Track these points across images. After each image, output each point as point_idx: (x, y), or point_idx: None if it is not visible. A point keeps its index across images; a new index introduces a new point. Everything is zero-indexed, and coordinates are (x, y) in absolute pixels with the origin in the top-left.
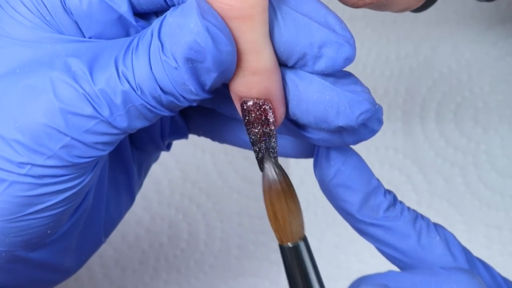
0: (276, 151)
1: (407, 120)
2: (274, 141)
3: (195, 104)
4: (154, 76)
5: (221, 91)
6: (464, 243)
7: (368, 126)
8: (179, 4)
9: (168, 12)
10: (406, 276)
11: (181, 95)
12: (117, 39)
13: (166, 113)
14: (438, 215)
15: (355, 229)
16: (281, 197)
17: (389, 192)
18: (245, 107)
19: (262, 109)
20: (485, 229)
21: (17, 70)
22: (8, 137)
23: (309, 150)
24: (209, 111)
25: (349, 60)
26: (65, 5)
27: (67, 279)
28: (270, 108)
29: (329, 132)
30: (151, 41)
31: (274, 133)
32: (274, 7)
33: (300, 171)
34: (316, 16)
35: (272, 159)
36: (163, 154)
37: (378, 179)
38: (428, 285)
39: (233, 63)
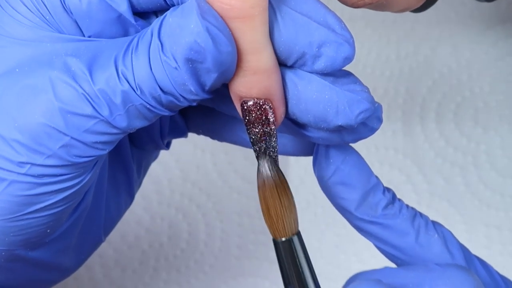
0: (277, 150)
1: (407, 120)
2: (275, 141)
3: (195, 104)
4: (154, 76)
5: (220, 91)
6: (464, 243)
7: (367, 124)
8: (179, 4)
9: (168, 12)
10: (400, 272)
11: (181, 95)
12: (116, 39)
13: (166, 113)
14: (438, 215)
15: (354, 226)
16: (274, 192)
17: (388, 190)
18: (245, 107)
19: (262, 109)
20: (485, 229)
21: (17, 70)
22: (7, 137)
23: (309, 148)
24: (208, 110)
25: (348, 59)
26: (64, 4)
27: (66, 279)
28: (270, 108)
29: (328, 131)
30: (151, 41)
31: (275, 132)
32: (273, 6)
33: (300, 171)
34: (315, 16)
35: (267, 156)
36: (163, 154)
37: (377, 177)
38: (423, 281)
39: (233, 63)
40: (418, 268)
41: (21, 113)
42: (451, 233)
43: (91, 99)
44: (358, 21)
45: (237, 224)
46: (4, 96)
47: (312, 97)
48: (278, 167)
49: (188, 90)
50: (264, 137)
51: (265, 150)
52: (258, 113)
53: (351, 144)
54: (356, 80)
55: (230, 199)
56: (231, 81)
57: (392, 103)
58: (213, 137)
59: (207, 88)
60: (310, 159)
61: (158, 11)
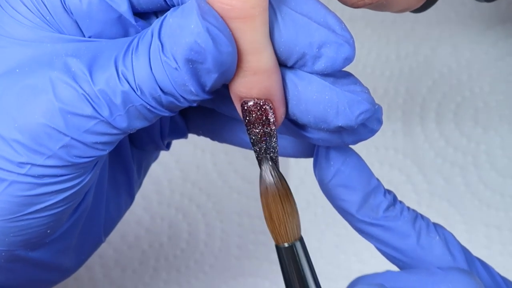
0: (277, 151)
1: (407, 120)
2: (275, 141)
3: (195, 104)
4: (154, 76)
5: (220, 92)
6: (464, 243)
7: (367, 126)
8: (179, 4)
9: (168, 13)
10: (403, 275)
11: (181, 95)
12: (117, 39)
13: (166, 113)
14: (438, 215)
15: (355, 228)
16: (276, 199)
17: (389, 192)
18: (245, 108)
19: (262, 109)
20: (485, 229)
21: (17, 70)
22: (8, 137)
23: (309, 149)
24: (208, 110)
25: (349, 60)
26: (65, 4)
27: (67, 279)
28: (271, 108)
29: (328, 132)
30: (151, 41)
31: (275, 133)
32: (273, 7)
33: (300, 171)
34: (315, 16)
35: (269, 161)
36: (163, 154)
37: (377, 179)
38: (425, 285)
39: (233, 63)
40: (420, 272)
41: (21, 113)
42: (452, 235)
43: (91, 99)
44: (358, 21)
45: (237, 224)
46: (4, 96)
47: (312, 98)
48: (281, 173)
49: (189, 91)
50: (265, 138)
51: (265, 150)
52: (258, 113)
53: (351, 146)
54: (356, 81)
55: (230, 199)
56: (231, 81)
57: (392, 103)
58: (213, 138)
59: (207, 88)
60: (310, 159)
61: (159, 12)
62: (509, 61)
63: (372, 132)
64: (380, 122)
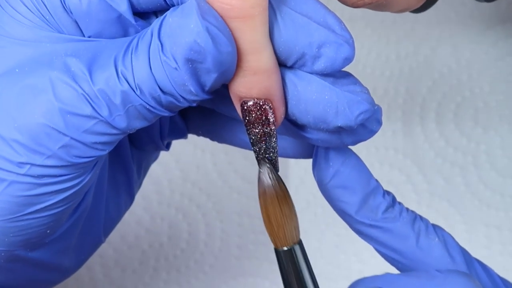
0: (277, 151)
1: (407, 120)
2: (275, 141)
3: (194, 104)
4: (154, 76)
5: (220, 92)
6: (464, 243)
7: (367, 126)
8: (179, 4)
9: (168, 12)
10: (402, 278)
11: (180, 95)
12: (116, 39)
13: (166, 113)
14: (438, 215)
15: (354, 230)
16: (274, 202)
17: (388, 193)
18: (245, 107)
19: (262, 109)
20: (485, 229)
21: (17, 70)
22: (7, 137)
23: (309, 150)
24: (208, 111)
25: (348, 60)
26: (64, 4)
27: (66, 279)
28: (270, 108)
29: (328, 132)
30: (151, 41)
31: (275, 133)
32: (273, 7)
33: (300, 171)
34: (315, 16)
35: (267, 163)
36: (163, 154)
37: (377, 180)
38: None
39: (233, 63)
40: (419, 275)
41: (21, 113)
42: (451, 236)
43: (91, 99)
44: (358, 21)
45: (237, 224)
46: (4, 96)
47: (312, 98)
48: (279, 176)
49: (188, 91)
50: (264, 138)
51: (265, 150)
52: (258, 113)
53: (351, 147)
54: (356, 81)
55: (230, 199)
56: (231, 81)
57: (392, 103)
58: (212, 138)
59: (207, 88)
60: (310, 159)
61: (158, 11)
62: (509, 61)
63: (372, 132)
64: (379, 122)
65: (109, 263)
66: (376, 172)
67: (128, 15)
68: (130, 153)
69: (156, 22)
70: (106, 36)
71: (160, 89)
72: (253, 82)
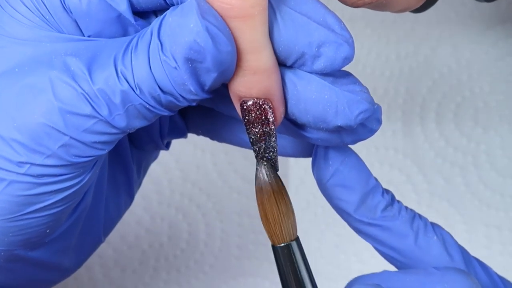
0: (276, 150)
1: (407, 120)
2: (274, 141)
3: (194, 104)
4: (154, 75)
5: (220, 91)
6: (464, 243)
7: (366, 126)
8: (178, 3)
9: (167, 12)
10: (400, 276)
11: (180, 95)
12: (116, 38)
13: (165, 112)
14: (438, 215)
15: (353, 228)
16: (271, 199)
17: (387, 191)
18: (245, 107)
19: (262, 109)
20: (485, 229)
21: (16, 69)
22: (7, 137)
23: (308, 149)
24: (208, 110)
25: (348, 59)
26: (64, 4)
27: (66, 279)
28: (270, 108)
29: (327, 132)
30: (151, 40)
31: (274, 132)
32: (273, 6)
33: (300, 171)
34: (315, 16)
35: (264, 161)
36: (163, 154)
37: (376, 179)
38: (422, 285)
39: (233, 63)
40: (417, 272)
41: (20, 112)
42: (450, 235)
43: (91, 98)
44: (358, 21)
45: (237, 224)
46: (3, 96)
47: (312, 97)
48: (276, 173)
49: (188, 90)
50: (264, 137)
51: (264, 150)
52: (257, 113)
53: (350, 146)
54: (356, 81)
55: (230, 199)
56: (231, 81)
57: (392, 103)
58: (212, 138)
59: (206, 88)
60: (310, 159)
61: (158, 11)
62: (509, 61)
63: (371, 132)
64: (379, 122)
65: (109, 263)
66: (376, 172)
67: (128, 15)
68: (130, 153)
69: (155, 22)
70: (106, 35)
71: (160, 88)
72: (253, 82)
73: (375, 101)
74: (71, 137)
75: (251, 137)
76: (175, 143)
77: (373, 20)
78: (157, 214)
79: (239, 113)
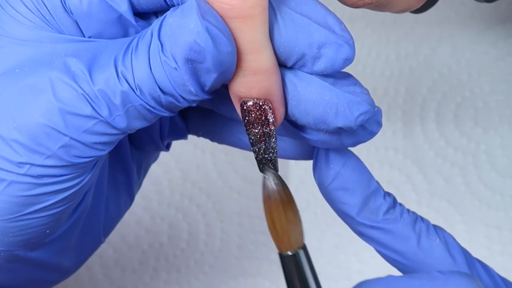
0: (276, 151)
1: (407, 120)
2: (274, 142)
3: (194, 104)
4: (154, 76)
5: (220, 92)
6: (464, 243)
7: (367, 128)
8: (179, 4)
9: (168, 13)
10: (404, 280)
11: (180, 95)
12: (116, 39)
13: (166, 113)
14: (438, 215)
15: (355, 231)
16: (279, 207)
17: (389, 194)
18: (245, 108)
19: (262, 109)
20: (485, 229)
21: (17, 70)
22: (7, 137)
23: (309, 152)
24: (208, 111)
25: (348, 60)
26: (65, 4)
27: (66, 279)
28: (270, 108)
29: (328, 133)
30: (151, 41)
31: (274, 133)
32: (273, 7)
33: (300, 172)
34: (315, 17)
35: (272, 169)
36: (163, 154)
37: (377, 182)
38: None
39: (233, 63)
40: (421, 276)
41: (20, 113)
42: (452, 237)
43: (91, 99)
44: (358, 21)
45: (237, 224)
46: (3, 96)
47: (312, 99)
48: (283, 180)
49: (188, 91)
50: (264, 138)
51: (264, 151)
52: (257, 113)
53: (351, 148)
54: (356, 82)
55: (230, 199)
56: (231, 81)
57: (392, 103)
58: (212, 139)
59: (206, 88)
60: (310, 160)
61: (159, 12)
62: (509, 61)
63: (372, 134)
64: (379, 124)
65: (109, 263)
66: (376, 173)
67: (129, 16)
68: (130, 154)
69: (156, 22)
70: (106, 36)
71: (160, 89)
72: (253, 82)
73: (375, 102)
74: (71, 138)
75: (251, 138)
76: (175, 143)
77: (373, 20)
78: (157, 214)
79: (239, 113)
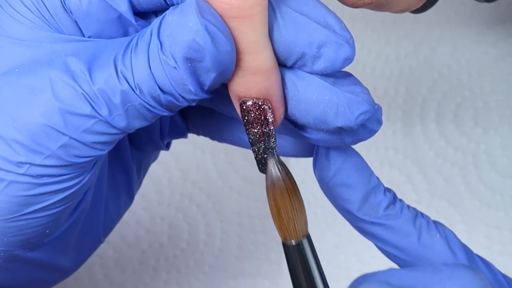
0: (275, 151)
1: (407, 120)
2: (273, 141)
3: (194, 104)
4: (153, 75)
5: (220, 91)
6: (464, 243)
7: (367, 126)
8: (178, 3)
9: (167, 12)
10: (408, 273)
11: (180, 95)
12: (116, 39)
13: (165, 113)
14: (438, 215)
15: (356, 227)
16: (284, 195)
17: (389, 190)
18: (244, 107)
19: (261, 109)
20: (485, 229)
21: (16, 70)
22: (7, 137)
23: (309, 149)
24: (208, 110)
25: (349, 60)
26: (65, 4)
27: (66, 279)
28: (269, 108)
29: (328, 133)
30: (150, 40)
31: (273, 133)
32: (273, 6)
33: (300, 171)
34: (315, 16)
35: (275, 156)
36: (163, 154)
37: (377, 178)
38: (431, 282)
39: (232, 63)
40: (425, 269)
41: (20, 112)
42: (452, 232)
43: (90, 99)
44: (358, 21)
45: (237, 224)
46: (3, 96)
47: (312, 98)
48: (288, 169)
49: (187, 90)
50: (263, 138)
51: (264, 150)
52: (257, 113)
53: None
54: (357, 82)
55: (230, 199)
56: (230, 81)
57: (392, 103)
58: (212, 138)
59: (206, 87)
60: (310, 159)
61: (158, 11)
62: (509, 61)
63: (372, 132)
64: (379, 122)
65: (109, 263)
66: (376, 172)
67: (129, 15)
68: (130, 153)
69: (155, 22)
70: (106, 36)
71: (160, 88)
72: (252, 82)
73: (375, 101)
74: (70, 137)
75: (250, 138)
76: (175, 143)
77: (373, 20)
78: (157, 214)
79: (238, 113)
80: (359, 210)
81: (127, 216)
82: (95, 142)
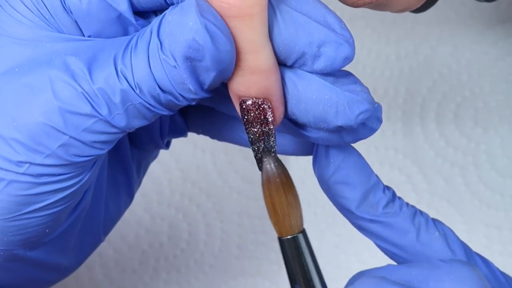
0: (275, 150)
1: (407, 120)
2: (273, 140)
3: (194, 103)
4: (153, 75)
5: (220, 90)
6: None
7: (367, 125)
8: (178, 2)
9: (167, 11)
10: (404, 269)
11: (180, 94)
12: (116, 38)
13: (165, 112)
14: (438, 215)
15: (355, 225)
16: (280, 190)
17: (388, 188)
18: (244, 107)
19: (261, 109)
20: (485, 229)
21: (16, 69)
22: (6, 136)
23: (309, 147)
24: (208, 109)
25: (348, 59)
26: (64, 4)
27: (66, 278)
28: (269, 108)
29: (328, 131)
30: (150, 39)
31: (273, 132)
32: (273, 6)
33: (300, 171)
34: (315, 16)
35: (271, 153)
36: (163, 154)
37: (377, 176)
38: (427, 277)
39: (232, 62)
40: (421, 265)
41: (20, 112)
42: (451, 230)
43: (90, 98)
44: (358, 21)
45: (237, 224)
46: (3, 95)
47: (312, 97)
48: (283, 165)
49: (187, 89)
50: (263, 137)
51: (263, 150)
52: (256, 112)
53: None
54: (356, 81)
55: (230, 199)
56: (230, 80)
57: (392, 103)
58: (212, 137)
59: (206, 87)
60: (310, 159)
61: (158, 10)
62: (509, 61)
63: (372, 131)
64: (379, 121)
65: (109, 263)
66: (376, 172)
67: (129, 15)
68: (129, 152)
69: (155, 21)
70: (106, 35)
71: (160, 87)
72: (252, 82)
73: (375, 101)
74: (70, 137)
75: (250, 137)
76: (175, 142)
77: (373, 20)
78: (157, 214)
79: (238, 112)
80: (358, 208)
81: (127, 216)
82: (95, 141)
